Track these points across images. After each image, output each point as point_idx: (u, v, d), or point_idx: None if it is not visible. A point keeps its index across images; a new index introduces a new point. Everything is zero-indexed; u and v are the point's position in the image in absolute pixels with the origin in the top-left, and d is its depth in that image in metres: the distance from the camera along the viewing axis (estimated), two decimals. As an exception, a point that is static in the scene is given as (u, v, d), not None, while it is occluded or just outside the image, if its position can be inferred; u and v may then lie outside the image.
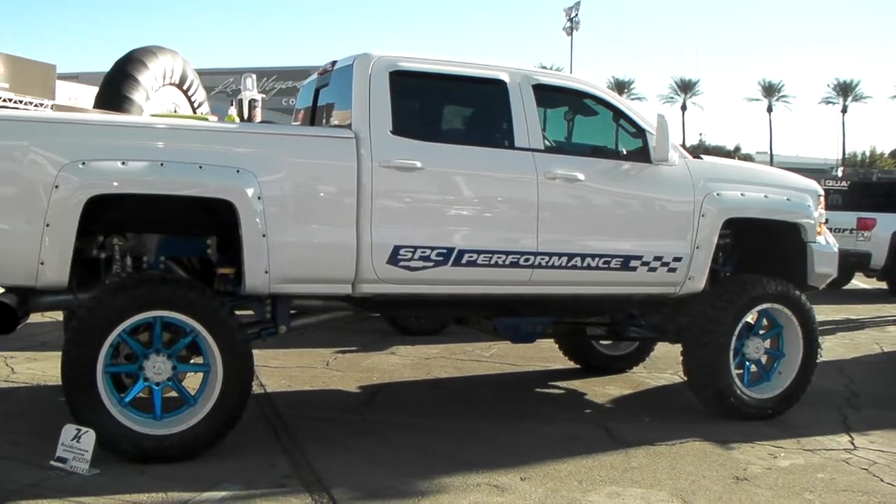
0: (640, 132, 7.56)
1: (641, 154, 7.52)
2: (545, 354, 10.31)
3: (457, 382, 9.29)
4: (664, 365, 10.05)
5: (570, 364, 9.93)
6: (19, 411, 7.56)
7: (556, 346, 9.93)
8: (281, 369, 9.36)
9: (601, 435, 7.28)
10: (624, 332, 8.69)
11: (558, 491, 5.83)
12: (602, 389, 8.97)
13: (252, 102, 13.90)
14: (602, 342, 9.64)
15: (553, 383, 9.28)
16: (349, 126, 6.72)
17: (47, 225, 5.92)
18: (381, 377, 9.31)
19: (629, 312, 8.35)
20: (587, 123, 7.92)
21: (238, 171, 6.23)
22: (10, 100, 17.28)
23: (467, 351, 10.87)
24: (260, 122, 12.49)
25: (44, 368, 8.86)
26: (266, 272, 6.33)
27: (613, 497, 5.79)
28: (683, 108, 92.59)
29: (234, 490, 5.65)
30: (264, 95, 22.43)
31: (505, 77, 7.16)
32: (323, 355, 10.21)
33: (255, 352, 6.49)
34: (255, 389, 7.18)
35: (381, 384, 9.02)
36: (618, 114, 7.59)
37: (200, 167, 6.18)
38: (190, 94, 22.90)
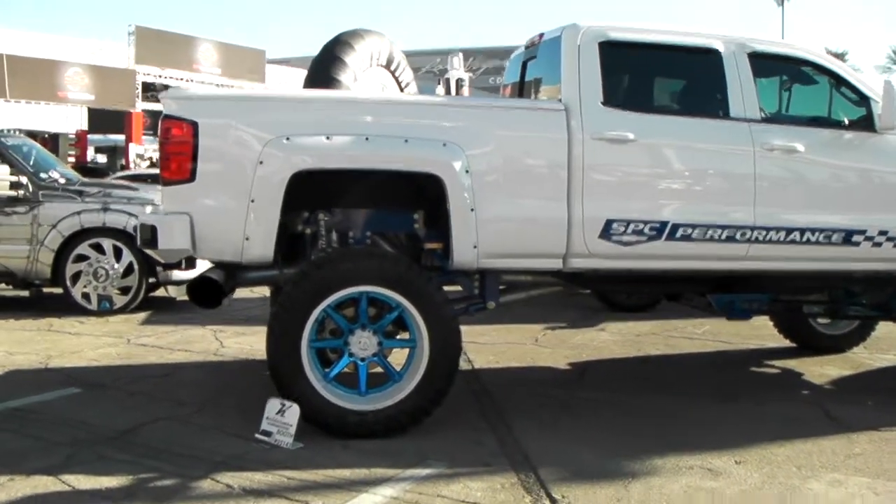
0: (863, 100, 7.12)
1: (865, 123, 7.08)
2: (759, 332, 9.93)
3: (668, 360, 9.05)
4: (887, 345, 9.56)
5: (786, 342, 9.54)
6: (227, 385, 7.73)
7: (771, 323, 9.55)
8: (489, 345, 9.32)
9: (820, 417, 6.93)
10: (843, 311, 8.26)
11: (775, 476, 5.56)
12: (820, 370, 8.56)
13: (459, 82, 13.94)
14: (820, 321, 9.19)
15: (768, 362, 8.93)
16: (559, 99, 6.56)
17: (252, 201, 6.00)
18: (590, 354, 9.16)
19: (850, 290, 7.94)
20: (805, 92, 7.55)
21: (445, 145, 6.16)
22: (222, 85, 17.83)
23: (679, 328, 10.61)
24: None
25: (251, 343, 9.09)
26: (474, 247, 6.24)
27: (835, 485, 5.46)
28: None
29: (438, 468, 5.60)
30: (471, 74, 22.44)
31: (719, 46, 6.86)
32: (532, 331, 10.12)
33: (463, 328, 6.40)
34: (463, 365, 7.13)
35: (591, 361, 8.87)
36: (839, 81, 7.18)
37: (406, 141, 6.14)
38: (397, 74, 23.03)
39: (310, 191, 6.27)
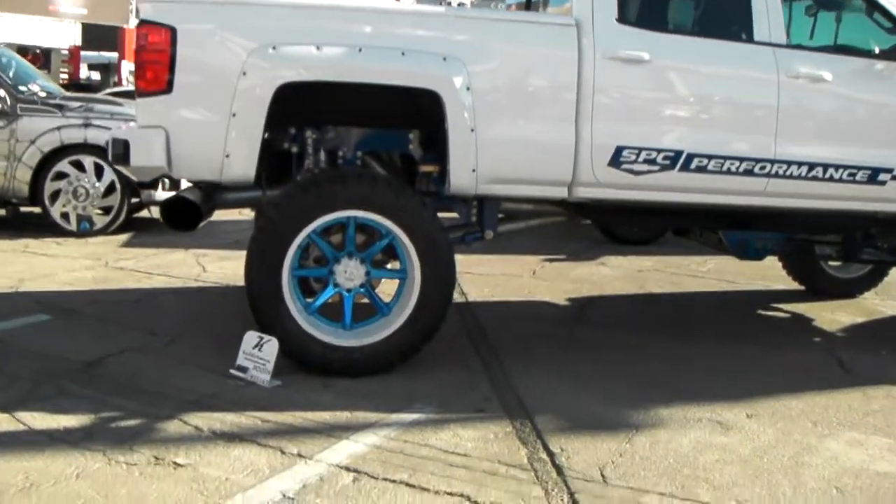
0: (897, 27, 6.60)
1: (899, 53, 6.57)
2: (766, 273, 9.45)
3: (672, 299, 8.62)
4: (899, 292, 9.12)
5: (793, 285, 9.09)
6: (205, 313, 7.27)
7: (780, 264, 9.09)
8: (484, 276, 8.88)
9: (834, 367, 6.51)
10: (857, 254, 7.77)
11: (790, 433, 5.11)
12: (831, 315, 8.11)
13: (460, 5, 13.52)
14: (831, 264, 8.76)
15: (776, 305, 8.48)
16: (570, 13, 6.02)
17: (233, 115, 5.49)
18: (590, 289, 8.71)
19: (867, 232, 7.46)
20: (833, 19, 7.01)
21: (445, 59, 5.63)
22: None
23: (682, 265, 10.16)
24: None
25: (235, 268, 8.55)
26: (473, 171, 5.74)
27: (855, 446, 5.00)
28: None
29: (426, 412, 5.16)
30: None
31: (745, -39, 6.30)
32: (529, 263, 9.69)
33: (457, 257, 5.93)
34: (456, 298, 6.67)
35: (591, 297, 8.42)
36: (871, 6, 6.62)
37: (403, 54, 5.61)
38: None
39: (297, 105, 5.78)
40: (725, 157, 6.09)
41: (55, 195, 10.41)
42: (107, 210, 10.53)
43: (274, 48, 5.48)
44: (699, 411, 5.36)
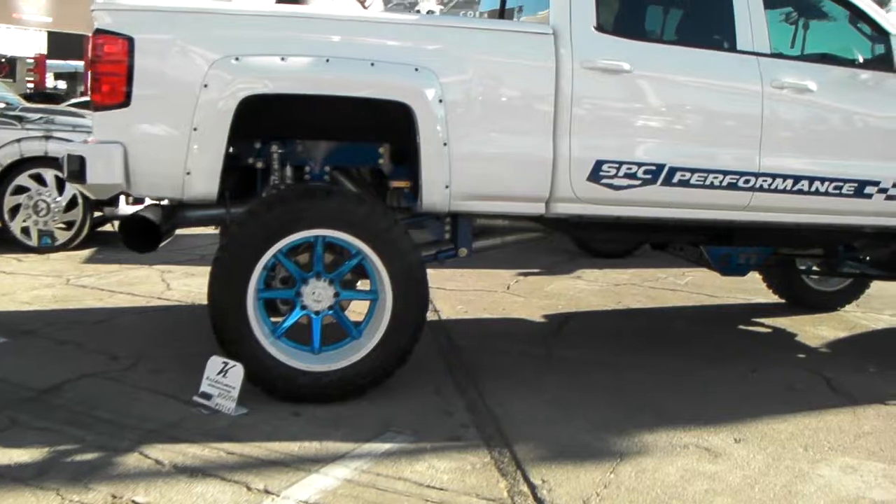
0: (883, 35, 6.39)
1: (884, 62, 6.34)
2: (744, 286, 9.20)
3: (651, 314, 8.38)
4: (881, 304, 8.93)
5: (774, 298, 8.89)
6: (168, 334, 6.96)
7: (759, 276, 8.89)
8: (457, 292, 8.64)
9: (821, 386, 6.29)
10: (840, 267, 7.60)
11: (781, 459, 4.89)
12: (813, 330, 7.91)
13: (429, 14, 13.30)
14: (812, 276, 8.57)
15: (757, 320, 8.27)
16: (546, 21, 5.77)
17: (195, 129, 5.22)
18: (567, 305, 8.47)
19: (849, 245, 7.26)
20: (815, 28, 6.81)
21: (417, 70, 5.38)
22: None
23: (660, 278, 9.95)
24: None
25: (200, 285, 8.18)
26: (447, 187, 5.49)
27: (849, 472, 4.79)
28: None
29: (400, 441, 4.90)
30: (442, 7, 21.56)
31: (727, -32, 6.09)
32: (503, 277, 9.44)
33: (429, 272, 5.68)
34: (429, 316, 6.37)
35: (568, 313, 8.17)
36: (856, 14, 6.43)
37: (372, 64, 5.35)
38: (366, 5, 22.23)
39: (262, 119, 5.52)
40: (709, 171, 5.88)
41: (15, 210, 10.05)
42: (69, 225, 10.17)
43: (237, 59, 5.21)
44: (685, 436, 5.15)
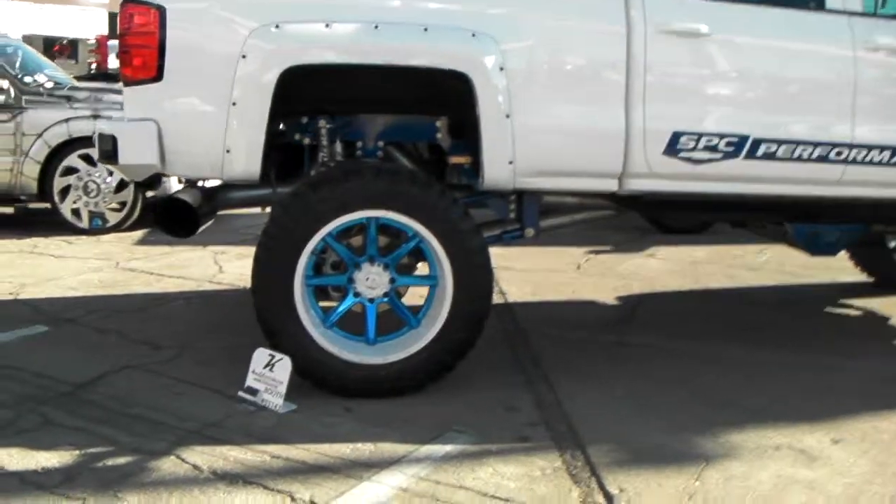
0: None
1: None
2: (829, 262, 8.45)
3: (731, 296, 7.85)
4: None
5: (861, 277, 8.28)
6: (217, 321, 6.58)
7: (844, 254, 8.30)
8: (524, 272, 8.18)
9: (922, 377, 5.74)
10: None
11: (887, 465, 4.33)
12: (907, 312, 7.34)
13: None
14: (902, 252, 7.99)
15: (846, 301, 7.68)
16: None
17: (233, 104, 4.80)
18: (641, 286, 7.97)
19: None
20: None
21: (474, 35, 4.90)
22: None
23: (737, 255, 9.40)
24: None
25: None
26: (510, 162, 5.02)
27: (971, 483, 4.26)
28: None
29: (461, 443, 4.45)
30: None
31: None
32: (573, 256, 8.98)
33: (495, 251, 5.26)
34: (495, 298, 5.85)
35: (642, 295, 7.68)
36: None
37: (426, 30, 4.88)
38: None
39: (306, 91, 5.10)
40: (797, 143, 5.35)
41: (65, 191, 9.84)
42: (120, 206, 9.91)
43: (277, 27, 4.77)
44: (776, 436, 4.64)
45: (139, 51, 4.84)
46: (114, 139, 4.88)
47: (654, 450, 4.46)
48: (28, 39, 20.47)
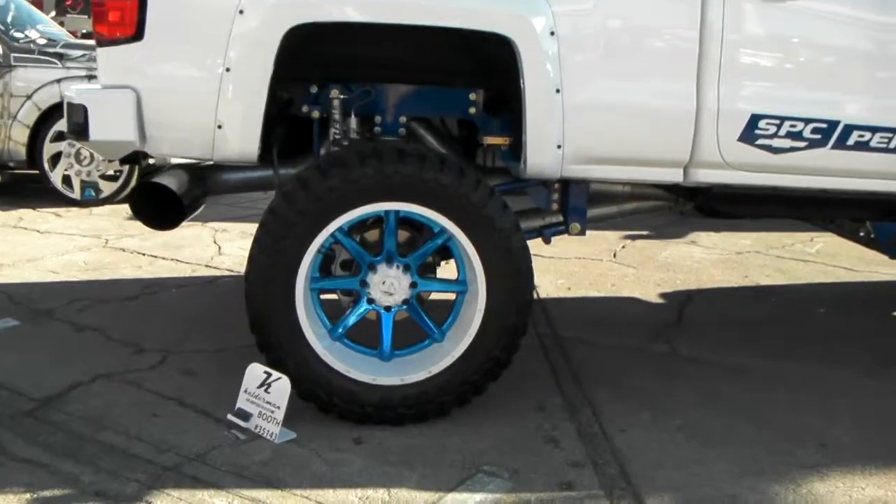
0: None
1: None
2: (883, 257, 7.80)
3: (784, 294, 7.01)
4: None
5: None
6: (210, 316, 5.77)
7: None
8: (557, 261, 7.41)
9: None
10: None
11: None
12: None
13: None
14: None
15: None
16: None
17: (227, 70, 4.00)
18: (685, 279, 7.18)
19: None
20: None
21: (522, -5, 4.10)
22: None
23: (786, 244, 8.59)
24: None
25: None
26: (559, 147, 4.20)
27: None
28: None
29: (493, 491, 3.66)
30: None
31: None
32: (608, 241, 8.20)
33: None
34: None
35: (689, 291, 6.87)
36: None
37: None
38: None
39: (316, 55, 4.33)
40: (894, 131, 4.52)
41: (55, 158, 9.12)
42: (114, 176, 9.14)
43: None
44: (864, 483, 3.86)
45: (116, 3, 4.04)
46: (85, 110, 4.08)
47: (726, 503, 3.67)
48: (40, -9, 19.63)
